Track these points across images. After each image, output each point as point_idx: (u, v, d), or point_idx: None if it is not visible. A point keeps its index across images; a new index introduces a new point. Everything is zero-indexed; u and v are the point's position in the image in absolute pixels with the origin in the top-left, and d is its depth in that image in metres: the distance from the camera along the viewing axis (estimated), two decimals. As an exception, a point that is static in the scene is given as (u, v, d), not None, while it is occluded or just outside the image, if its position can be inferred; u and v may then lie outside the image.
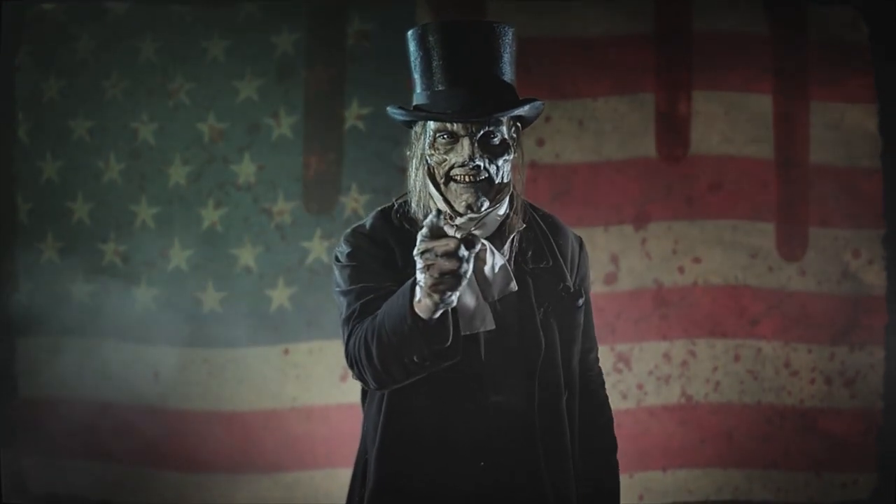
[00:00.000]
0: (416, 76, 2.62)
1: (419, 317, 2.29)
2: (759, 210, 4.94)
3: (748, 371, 4.94)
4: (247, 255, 5.03)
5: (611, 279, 4.93)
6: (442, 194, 2.59)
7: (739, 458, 4.94)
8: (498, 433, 2.63)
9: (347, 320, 2.57)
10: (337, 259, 2.67)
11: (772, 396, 4.93)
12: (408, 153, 2.68)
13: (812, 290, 4.92)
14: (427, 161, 2.59)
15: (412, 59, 2.62)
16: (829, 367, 4.91)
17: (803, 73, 4.91)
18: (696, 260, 4.95)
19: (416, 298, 2.27)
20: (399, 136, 4.95)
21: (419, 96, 2.61)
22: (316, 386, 5.01)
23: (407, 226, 2.65)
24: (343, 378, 4.98)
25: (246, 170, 5.04)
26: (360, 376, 2.51)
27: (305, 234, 5.02)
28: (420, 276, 2.21)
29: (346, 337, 2.57)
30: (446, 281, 2.18)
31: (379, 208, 2.74)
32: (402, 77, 4.89)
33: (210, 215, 5.05)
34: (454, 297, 2.22)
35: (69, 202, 5.11)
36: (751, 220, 4.94)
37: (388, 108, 2.65)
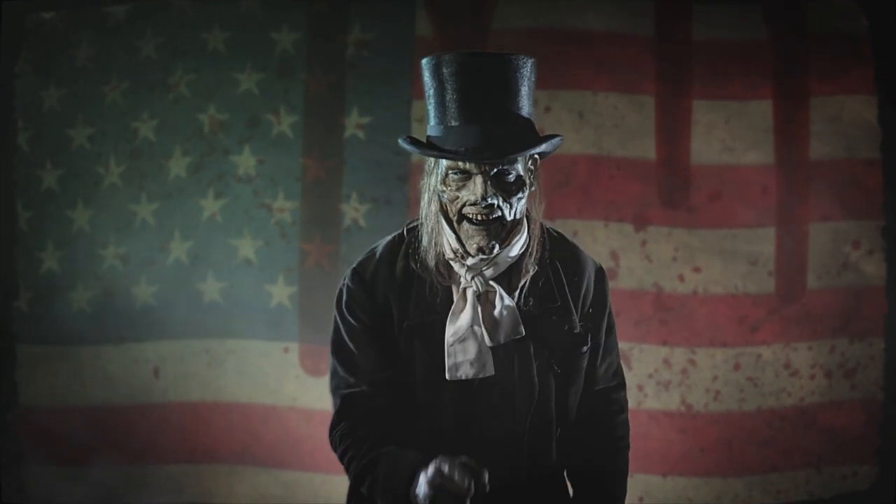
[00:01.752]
0: (430, 108, 2.57)
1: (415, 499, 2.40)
2: (758, 216, 4.94)
3: (748, 379, 4.93)
4: (247, 248, 5.03)
5: (610, 275, 4.92)
6: (455, 232, 2.56)
7: (739, 467, 4.93)
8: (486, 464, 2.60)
9: (334, 392, 2.64)
10: (338, 303, 2.66)
11: (772, 400, 4.92)
12: (421, 183, 2.62)
13: (812, 286, 4.92)
14: (440, 197, 2.54)
15: (426, 89, 2.57)
16: (829, 361, 4.90)
17: (804, 69, 4.92)
18: (696, 269, 4.95)
19: (416, 491, 2.38)
20: (399, 148, 4.96)
21: (432, 129, 2.56)
22: (316, 389, 4.99)
23: (415, 266, 2.61)
24: (343, 384, 4.98)
25: (246, 162, 5.04)
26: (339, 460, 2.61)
27: (306, 237, 5.02)
28: (426, 490, 2.34)
29: (334, 412, 2.64)
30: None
31: (388, 239, 2.69)
32: (401, 88, 4.97)
33: (210, 206, 5.05)
34: None
35: (69, 211, 5.11)
36: (750, 228, 4.95)
37: (400, 141, 2.60)
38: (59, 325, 5.09)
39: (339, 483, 4.89)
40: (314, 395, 5.00)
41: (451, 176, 2.51)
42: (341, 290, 2.65)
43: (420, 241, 2.61)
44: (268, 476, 5.00)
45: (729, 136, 4.96)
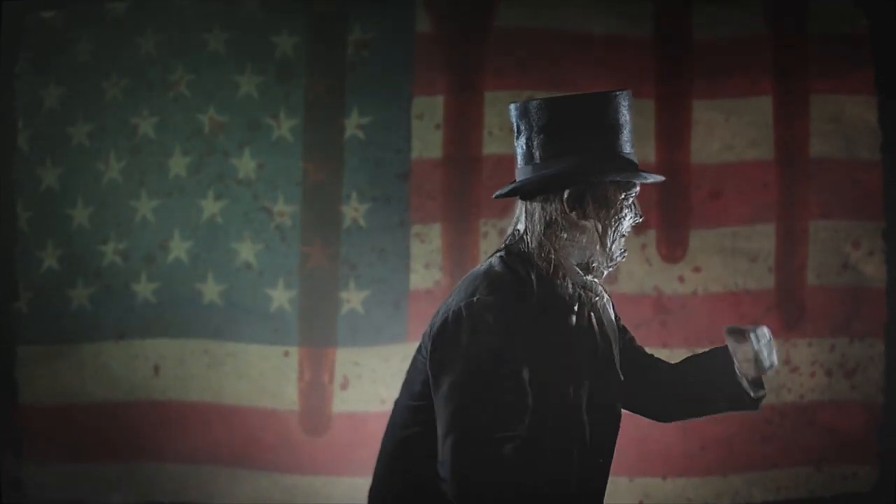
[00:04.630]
0: (599, 141, 2.63)
1: None
2: (758, 212, 4.95)
3: (747, 374, 4.93)
4: (247, 251, 5.03)
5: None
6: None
7: (739, 464, 4.94)
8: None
9: (466, 430, 2.46)
10: (475, 326, 2.50)
11: (772, 396, 4.84)
12: (545, 215, 2.65)
13: (812, 283, 4.92)
14: (617, 220, 2.65)
15: (585, 124, 2.63)
16: (829, 359, 4.90)
17: (803, 68, 4.92)
18: (697, 269, 4.96)
19: None
20: (399, 146, 4.98)
21: (602, 157, 2.62)
22: (316, 393, 5.01)
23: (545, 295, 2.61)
24: (343, 386, 4.99)
25: (246, 165, 5.04)
26: (450, 490, 2.45)
27: (306, 240, 5.02)
28: None
29: (456, 444, 2.46)
30: None
31: (505, 266, 2.64)
32: (402, 87, 4.97)
33: (210, 207, 5.05)
34: None
35: (69, 208, 5.11)
36: (750, 224, 4.95)
37: (632, 180, 2.66)
38: (60, 323, 5.10)
39: (339, 486, 4.93)
40: (314, 400, 5.01)
41: (627, 200, 2.66)
42: (479, 311, 2.51)
43: (553, 266, 2.63)
44: (268, 480, 5.01)
45: (729, 133, 4.97)
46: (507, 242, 2.69)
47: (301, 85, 5.03)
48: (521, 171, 2.68)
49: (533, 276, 2.59)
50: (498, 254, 2.67)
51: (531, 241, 2.63)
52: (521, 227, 2.67)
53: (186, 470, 5.05)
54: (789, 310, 4.92)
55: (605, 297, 2.74)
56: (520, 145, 2.68)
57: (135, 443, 5.07)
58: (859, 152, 4.90)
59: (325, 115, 5.03)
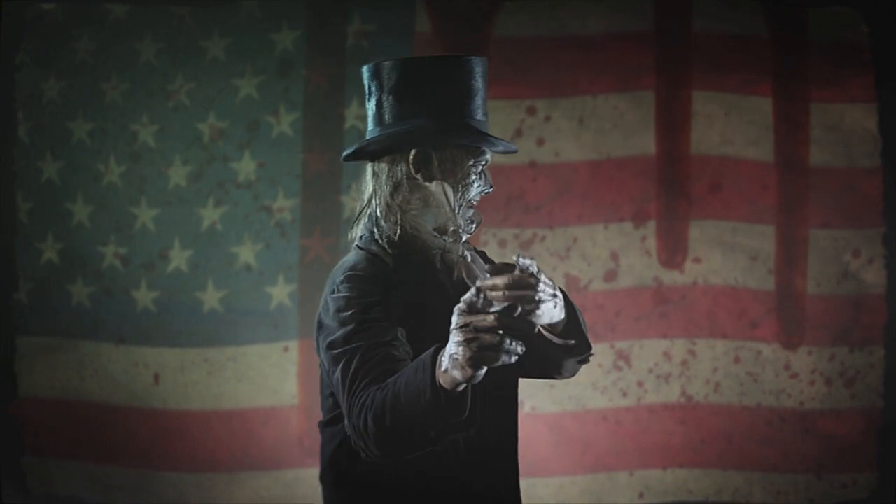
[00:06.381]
0: (449, 104, 2.62)
1: (442, 388, 2.19)
2: (758, 212, 4.95)
3: (748, 373, 4.93)
4: (247, 253, 5.03)
5: (610, 276, 4.93)
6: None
7: (739, 461, 4.94)
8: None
9: (354, 377, 2.42)
10: (336, 292, 2.54)
11: (772, 399, 4.93)
12: (404, 176, 2.62)
13: (812, 292, 4.92)
14: (464, 186, 2.64)
15: (436, 87, 2.61)
16: (829, 368, 4.90)
17: (803, 74, 4.92)
18: (697, 260, 4.96)
19: (443, 368, 2.17)
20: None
21: (451, 120, 2.61)
22: (316, 385, 5.00)
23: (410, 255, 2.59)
24: (343, 378, 4.98)
25: (246, 167, 5.04)
26: (363, 446, 2.37)
27: (305, 231, 5.03)
28: (457, 349, 2.13)
29: (348, 396, 2.42)
30: (486, 357, 2.11)
31: (357, 251, 2.64)
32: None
33: (210, 214, 5.05)
34: (483, 372, 2.15)
35: (69, 204, 5.11)
36: (750, 223, 4.95)
37: (466, 142, 2.63)
38: (59, 317, 5.11)
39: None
40: (314, 392, 5.00)
41: (476, 167, 2.64)
42: (337, 292, 2.54)
43: (403, 229, 2.61)
44: (268, 479, 5.02)
45: (729, 128, 4.96)
46: (357, 227, 2.68)
47: (301, 77, 5.03)
48: (370, 133, 2.65)
49: (389, 250, 2.58)
50: (354, 245, 2.67)
51: (380, 205, 2.62)
52: (368, 192, 2.66)
53: (186, 478, 5.06)
54: (789, 318, 4.93)
55: (468, 255, 2.66)
56: (370, 107, 2.64)
57: (135, 449, 5.09)
58: (860, 159, 4.90)
59: (326, 104, 5.03)
